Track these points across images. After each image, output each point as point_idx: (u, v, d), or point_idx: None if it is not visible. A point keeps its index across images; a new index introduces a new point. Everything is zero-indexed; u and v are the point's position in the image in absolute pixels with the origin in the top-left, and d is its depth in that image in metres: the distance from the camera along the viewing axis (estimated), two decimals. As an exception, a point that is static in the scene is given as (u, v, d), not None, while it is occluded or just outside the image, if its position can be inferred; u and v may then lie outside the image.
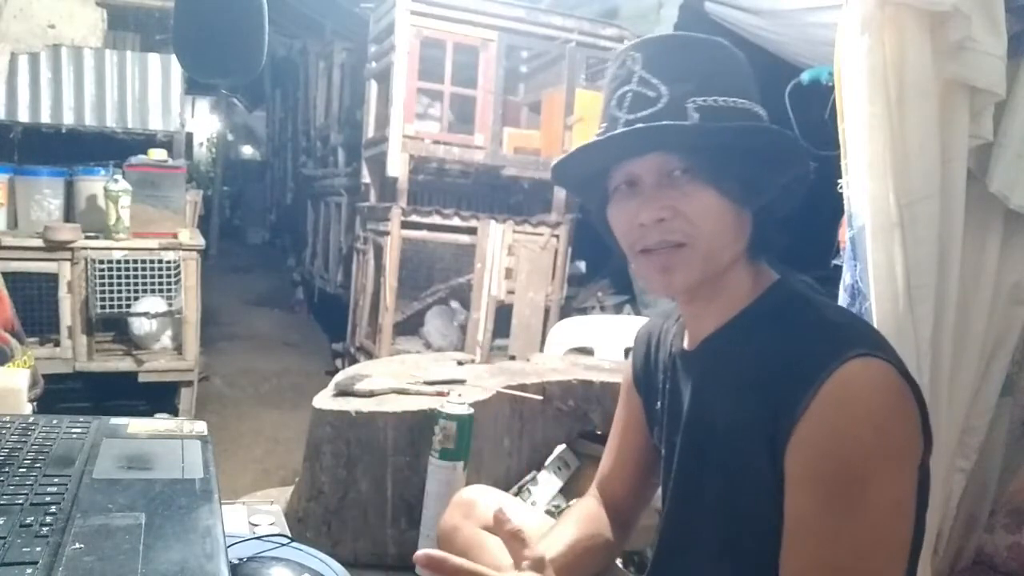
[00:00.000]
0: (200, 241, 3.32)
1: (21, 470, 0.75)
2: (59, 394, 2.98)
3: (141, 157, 3.23)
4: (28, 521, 0.63)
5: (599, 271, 4.23)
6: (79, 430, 0.90)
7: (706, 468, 0.88)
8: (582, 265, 4.19)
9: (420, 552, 0.73)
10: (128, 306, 3.10)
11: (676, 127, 0.79)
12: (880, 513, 0.72)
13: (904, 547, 0.74)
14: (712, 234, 0.82)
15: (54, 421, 0.92)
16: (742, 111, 0.82)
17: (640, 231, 0.84)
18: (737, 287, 0.87)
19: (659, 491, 1.10)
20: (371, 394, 1.93)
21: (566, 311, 3.86)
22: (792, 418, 0.75)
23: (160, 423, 0.97)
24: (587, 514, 1.08)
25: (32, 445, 0.82)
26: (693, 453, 0.91)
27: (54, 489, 0.71)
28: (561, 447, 2.16)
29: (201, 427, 0.96)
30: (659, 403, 0.99)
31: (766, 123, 0.85)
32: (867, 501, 0.72)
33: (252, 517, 1.24)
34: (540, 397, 2.10)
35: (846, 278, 1.49)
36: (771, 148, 0.82)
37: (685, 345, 0.94)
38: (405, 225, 3.65)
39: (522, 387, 2.09)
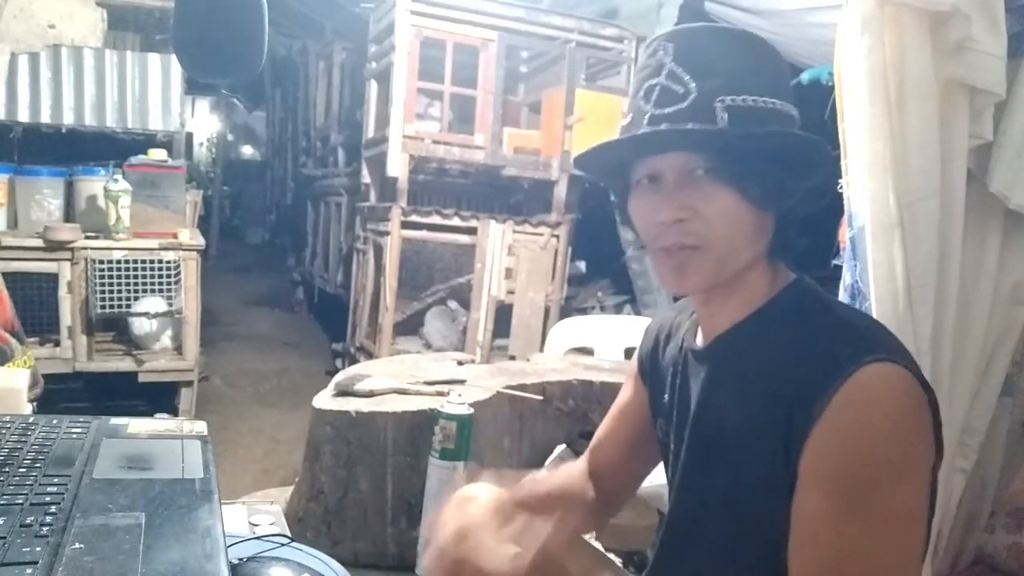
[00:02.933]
0: (200, 241, 3.32)
1: (21, 470, 0.75)
2: (59, 394, 2.97)
3: (141, 157, 3.23)
4: (28, 521, 0.63)
5: (599, 271, 4.23)
6: (79, 430, 0.89)
7: (713, 466, 0.87)
8: (582, 265, 4.20)
9: None
10: (128, 306, 3.10)
11: (701, 130, 0.78)
12: (893, 520, 0.72)
13: (916, 555, 0.74)
14: (729, 237, 0.81)
15: (54, 421, 0.92)
16: (771, 112, 0.80)
17: (659, 228, 0.83)
18: (754, 287, 0.86)
19: (650, 485, 1.11)
20: (371, 394, 1.93)
21: (566, 311, 3.86)
22: (808, 421, 0.74)
23: (160, 423, 0.97)
24: (575, 473, 1.10)
25: (32, 445, 0.82)
26: (700, 450, 0.90)
27: (54, 489, 0.71)
28: (561, 447, 2.16)
29: (201, 427, 0.96)
30: (666, 396, 0.99)
31: (795, 126, 0.83)
32: (880, 507, 0.71)
33: (252, 517, 1.24)
34: (540, 397, 2.10)
35: (846, 278, 1.49)
36: (797, 153, 0.80)
37: (698, 342, 0.94)
38: (405, 225, 3.65)
39: (522, 387, 2.09)
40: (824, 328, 0.81)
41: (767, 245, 0.85)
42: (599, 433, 1.13)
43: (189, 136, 8.15)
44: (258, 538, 1.00)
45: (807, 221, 0.89)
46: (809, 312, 0.84)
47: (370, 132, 4.05)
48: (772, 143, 0.78)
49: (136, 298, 3.11)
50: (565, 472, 1.10)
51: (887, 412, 0.72)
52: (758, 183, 0.79)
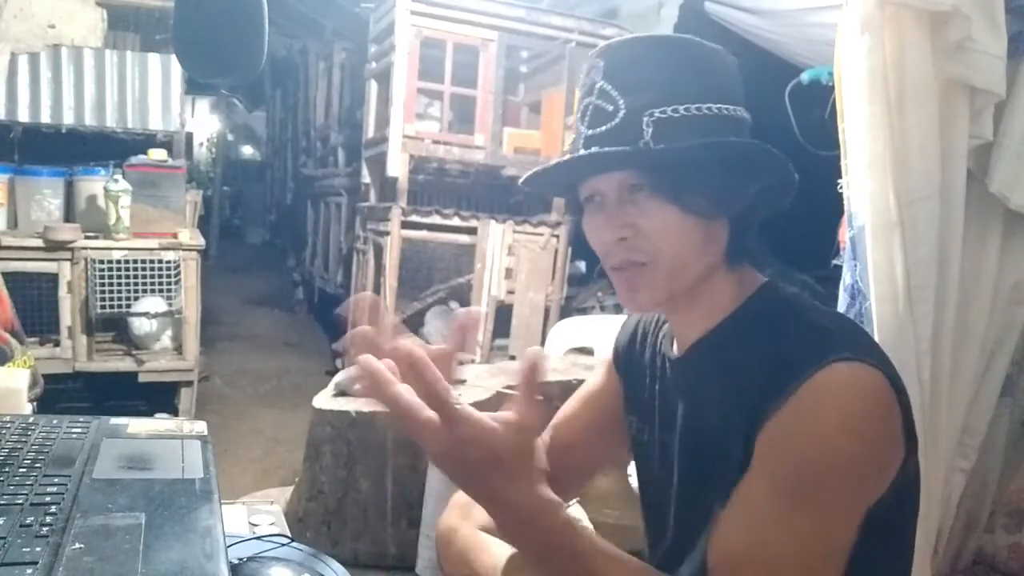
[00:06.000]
0: (200, 241, 3.32)
1: (21, 470, 0.75)
2: (59, 394, 2.98)
3: (141, 157, 3.23)
4: (28, 521, 0.63)
5: (599, 271, 4.22)
6: (79, 430, 0.89)
7: (707, 477, 0.87)
8: (582, 265, 4.20)
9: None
10: (128, 306, 3.10)
11: (624, 152, 0.77)
12: (832, 514, 0.71)
13: (843, 552, 0.73)
14: (674, 252, 0.80)
15: (54, 421, 0.92)
16: (709, 118, 0.79)
17: (606, 247, 0.83)
18: (718, 294, 0.85)
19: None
20: (371, 394, 1.93)
21: (566, 311, 3.86)
22: (765, 416, 0.74)
23: (160, 423, 0.97)
24: None
25: (32, 445, 0.82)
26: (693, 463, 0.90)
27: (54, 489, 0.71)
28: (561, 447, 2.16)
29: (201, 427, 0.96)
30: (646, 396, 0.98)
31: (743, 127, 0.82)
32: (822, 499, 0.71)
33: (252, 517, 1.24)
34: (540, 397, 2.10)
35: (846, 278, 1.49)
36: (737, 158, 0.79)
37: (675, 350, 0.93)
38: (405, 225, 3.65)
39: (522, 387, 2.09)
40: (790, 332, 0.80)
41: (723, 252, 0.83)
42: (562, 411, 1.09)
43: (189, 136, 8.14)
44: (258, 538, 1.00)
45: (806, 221, 0.88)
46: (777, 316, 0.83)
47: (370, 132, 4.05)
48: (704, 152, 0.77)
49: (136, 298, 3.11)
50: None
51: (846, 411, 0.72)
52: (698, 194, 0.78)
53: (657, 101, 0.78)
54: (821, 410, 0.72)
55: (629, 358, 1.03)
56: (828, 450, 0.71)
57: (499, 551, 1.01)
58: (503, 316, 3.77)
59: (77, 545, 0.60)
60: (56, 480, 0.73)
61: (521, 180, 0.91)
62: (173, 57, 3.22)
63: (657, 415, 0.95)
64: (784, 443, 0.73)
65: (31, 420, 0.92)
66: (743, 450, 0.77)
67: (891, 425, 0.75)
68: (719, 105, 0.80)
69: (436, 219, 3.69)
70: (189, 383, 3.32)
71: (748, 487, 0.75)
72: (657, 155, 0.77)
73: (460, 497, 1.22)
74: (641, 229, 0.80)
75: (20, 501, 0.67)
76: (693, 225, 0.80)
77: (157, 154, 3.26)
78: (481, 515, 1.12)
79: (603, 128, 0.80)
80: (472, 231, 3.70)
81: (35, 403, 1.63)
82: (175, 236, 3.20)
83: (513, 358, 3.53)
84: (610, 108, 0.80)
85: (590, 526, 1.28)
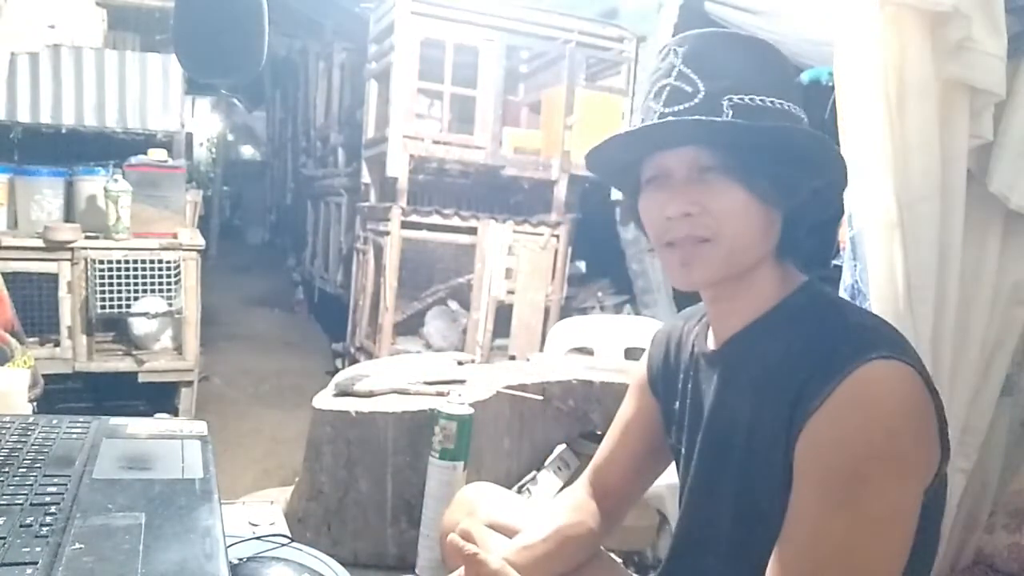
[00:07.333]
0: (200, 241, 3.31)
1: (21, 470, 0.75)
2: (59, 394, 2.97)
3: (141, 157, 3.23)
4: (28, 521, 0.64)
5: (599, 271, 4.23)
6: (79, 430, 0.90)
7: (725, 467, 0.88)
8: (582, 265, 4.19)
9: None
10: (128, 306, 3.10)
11: (709, 122, 0.79)
12: (879, 515, 0.72)
13: (900, 553, 0.74)
14: (737, 232, 0.82)
15: (54, 421, 0.92)
16: (777, 111, 0.82)
17: (667, 224, 0.85)
18: (763, 287, 0.87)
19: (653, 490, 1.11)
20: (371, 394, 1.93)
21: (566, 311, 3.86)
22: (806, 413, 0.75)
23: (160, 423, 0.97)
24: (574, 503, 1.10)
25: (32, 445, 0.82)
26: (713, 452, 0.90)
27: (54, 489, 0.71)
28: (561, 447, 2.16)
29: (201, 427, 0.97)
30: (678, 403, 0.99)
31: (802, 125, 0.85)
32: (867, 501, 0.72)
33: (252, 517, 1.24)
34: (540, 397, 2.10)
35: (846, 278, 1.49)
36: (804, 150, 0.82)
37: (710, 345, 0.94)
38: (405, 225, 3.65)
39: (522, 387, 2.09)
40: (832, 328, 0.81)
41: (775, 244, 0.85)
42: (603, 453, 1.13)
43: (189, 136, 8.12)
44: (258, 538, 1.00)
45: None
46: (818, 313, 0.84)
47: (370, 132, 4.05)
48: (779, 138, 0.80)
49: (136, 298, 3.11)
50: (571, 503, 1.10)
51: (886, 409, 0.72)
52: (765, 178, 0.81)
53: (735, 88, 0.81)
54: (860, 410, 0.73)
55: (664, 370, 1.04)
56: (869, 450, 0.72)
57: (503, 546, 1.02)
58: (503, 316, 3.77)
59: (77, 545, 0.60)
60: (56, 480, 0.73)
61: (587, 153, 0.92)
62: (173, 57, 3.21)
63: (689, 413, 0.96)
64: (825, 447, 0.74)
65: (31, 420, 0.92)
66: (782, 447, 0.77)
67: (926, 423, 0.76)
68: (787, 102, 0.83)
69: (436, 219, 3.69)
70: (189, 383, 3.32)
71: (796, 498, 0.76)
72: (739, 131, 0.79)
73: (463, 494, 1.23)
74: (708, 207, 0.82)
75: (20, 501, 0.67)
76: (756, 210, 0.82)
77: (157, 154, 3.26)
78: (485, 511, 1.13)
79: (681, 106, 0.82)
80: (472, 231, 3.70)
81: (35, 403, 1.63)
82: (175, 236, 3.20)
83: (513, 358, 3.53)
84: (689, 89, 0.82)
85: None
